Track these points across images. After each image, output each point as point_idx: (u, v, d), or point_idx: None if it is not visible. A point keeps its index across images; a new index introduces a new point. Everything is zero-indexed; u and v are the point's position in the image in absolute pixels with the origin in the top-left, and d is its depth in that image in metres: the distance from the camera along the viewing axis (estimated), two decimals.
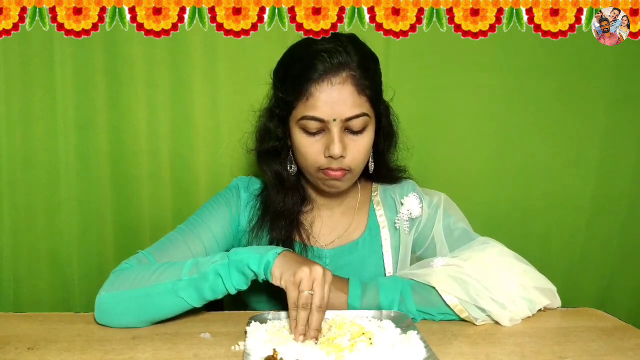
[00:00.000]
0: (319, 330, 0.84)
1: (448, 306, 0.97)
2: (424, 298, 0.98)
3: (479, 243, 1.07)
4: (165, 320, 0.95)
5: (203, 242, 1.06)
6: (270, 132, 1.08)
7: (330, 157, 0.99)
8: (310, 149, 1.01)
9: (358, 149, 1.01)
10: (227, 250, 0.95)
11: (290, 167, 1.09)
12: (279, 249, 0.92)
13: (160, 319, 0.95)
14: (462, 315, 0.97)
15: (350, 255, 1.12)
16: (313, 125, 0.98)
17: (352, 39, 1.02)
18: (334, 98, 0.96)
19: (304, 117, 0.98)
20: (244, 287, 0.92)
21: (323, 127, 0.99)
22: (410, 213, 1.12)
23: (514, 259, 1.03)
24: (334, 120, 0.97)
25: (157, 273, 0.94)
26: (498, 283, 0.97)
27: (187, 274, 0.92)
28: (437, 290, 0.97)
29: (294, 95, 0.99)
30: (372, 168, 1.11)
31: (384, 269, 1.11)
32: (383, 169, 1.16)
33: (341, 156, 0.99)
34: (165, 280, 0.92)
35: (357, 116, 0.98)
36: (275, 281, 0.88)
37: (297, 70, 0.99)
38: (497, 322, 0.97)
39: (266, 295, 1.10)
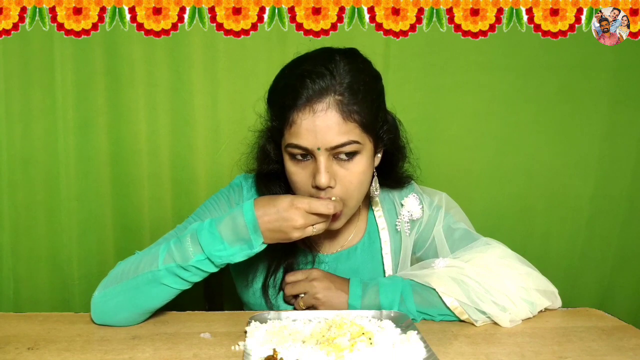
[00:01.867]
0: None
1: (448, 308, 0.97)
2: (424, 299, 0.98)
3: (480, 244, 1.07)
4: (160, 318, 0.95)
5: None
6: (269, 154, 1.04)
7: (317, 187, 0.94)
8: (298, 177, 0.96)
9: (350, 179, 0.94)
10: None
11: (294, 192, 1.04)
12: (258, 237, 0.90)
13: (155, 308, 0.94)
14: (463, 317, 0.97)
15: (349, 260, 1.11)
16: (298, 152, 0.94)
17: (349, 55, 0.96)
18: (317, 126, 0.90)
19: (289, 145, 0.94)
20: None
21: (309, 154, 0.94)
22: (411, 215, 1.11)
23: (516, 261, 1.03)
24: (318, 149, 0.91)
25: (135, 264, 0.93)
26: (499, 285, 0.97)
27: (162, 263, 0.90)
28: (437, 292, 0.97)
29: (279, 121, 0.95)
30: (378, 192, 1.06)
31: (384, 272, 1.11)
32: (390, 181, 1.11)
33: (329, 187, 0.93)
34: (143, 270, 0.91)
35: (343, 145, 0.91)
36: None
37: (281, 96, 0.94)
38: (496, 323, 0.97)
39: (259, 290, 1.09)
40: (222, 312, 1.03)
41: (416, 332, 0.86)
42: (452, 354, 0.84)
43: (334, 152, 0.92)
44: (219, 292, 1.35)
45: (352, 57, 0.96)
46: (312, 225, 0.91)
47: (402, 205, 1.12)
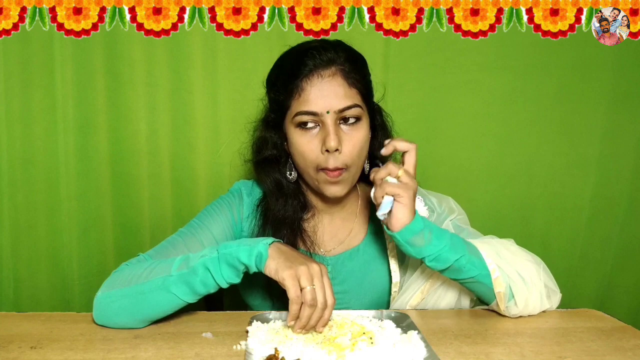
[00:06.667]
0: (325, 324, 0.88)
1: (487, 269, 0.98)
2: (473, 251, 1.00)
3: (488, 238, 1.09)
4: (162, 318, 0.95)
5: (204, 246, 1.04)
6: (267, 141, 1.08)
7: (327, 151, 0.98)
8: (307, 147, 1.00)
9: (354, 143, 1.00)
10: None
11: (290, 174, 1.08)
12: (269, 239, 0.92)
13: (155, 317, 0.94)
14: (494, 277, 0.98)
15: (352, 261, 1.12)
16: (307, 119, 0.99)
17: (340, 42, 1.05)
18: (325, 91, 0.97)
19: (299, 113, 0.99)
20: (236, 280, 0.92)
21: (318, 122, 0.99)
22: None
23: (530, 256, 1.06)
24: (328, 112, 0.97)
25: (148, 270, 0.94)
26: (521, 264, 1.01)
27: (176, 269, 0.91)
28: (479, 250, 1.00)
29: (287, 93, 1.00)
30: (368, 168, 1.10)
31: (389, 272, 1.11)
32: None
33: (337, 150, 0.98)
34: (155, 277, 0.92)
35: (349, 107, 0.98)
36: (270, 273, 0.88)
37: (288, 69, 1.00)
38: (501, 314, 0.98)
39: (263, 290, 1.10)
40: (224, 312, 1.04)
41: (417, 331, 0.87)
42: (452, 354, 0.84)
43: (341, 115, 0.99)
44: (219, 293, 1.34)
45: (344, 43, 1.05)
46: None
47: None
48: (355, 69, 1.01)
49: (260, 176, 1.11)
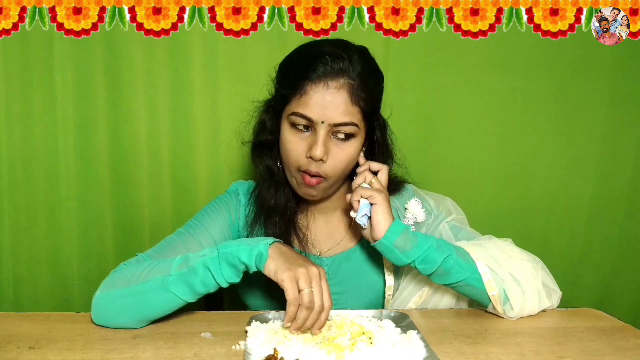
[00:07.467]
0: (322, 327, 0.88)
1: (477, 272, 0.98)
2: (462, 253, 1.00)
3: (486, 239, 1.09)
4: (161, 319, 0.95)
5: (202, 246, 1.04)
6: (265, 125, 1.08)
7: (311, 158, 0.98)
8: (294, 146, 1.00)
9: (340, 158, 1.00)
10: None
11: (281, 164, 1.08)
12: (270, 239, 0.92)
13: (154, 317, 0.94)
14: (485, 279, 0.98)
15: (349, 262, 1.12)
16: (301, 123, 0.98)
17: (361, 50, 1.02)
18: (327, 101, 0.96)
19: (295, 114, 0.98)
20: (236, 280, 0.92)
21: (311, 127, 0.98)
22: (416, 218, 1.11)
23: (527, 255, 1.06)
24: (322, 123, 0.96)
25: (147, 271, 0.94)
26: (516, 265, 1.00)
27: (176, 269, 0.91)
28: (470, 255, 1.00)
29: (290, 90, 0.99)
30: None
31: (384, 276, 1.10)
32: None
33: (321, 160, 0.98)
34: (155, 276, 0.92)
35: (345, 124, 0.97)
36: (269, 274, 0.88)
37: (298, 67, 0.99)
38: (500, 315, 0.98)
39: (262, 291, 1.10)
40: (223, 312, 1.04)
41: (416, 332, 0.87)
42: (452, 354, 0.84)
43: (334, 129, 0.98)
44: (219, 293, 1.34)
45: (365, 53, 1.03)
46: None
47: (406, 209, 1.12)
48: (365, 86, 0.98)
49: (255, 160, 1.11)
